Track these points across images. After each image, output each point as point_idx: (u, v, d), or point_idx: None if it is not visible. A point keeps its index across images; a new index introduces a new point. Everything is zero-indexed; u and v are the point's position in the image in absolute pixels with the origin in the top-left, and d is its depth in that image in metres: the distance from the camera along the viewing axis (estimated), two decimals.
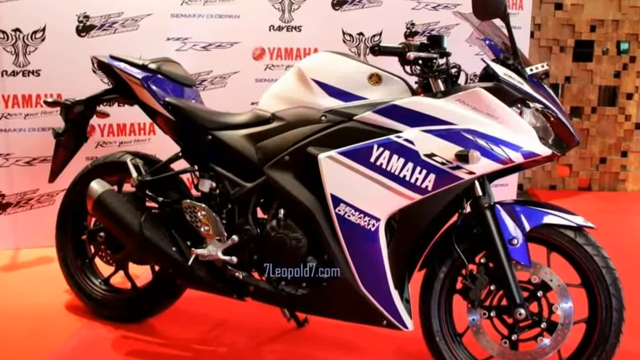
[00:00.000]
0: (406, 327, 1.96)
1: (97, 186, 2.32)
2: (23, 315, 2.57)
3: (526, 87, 1.83)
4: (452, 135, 1.81)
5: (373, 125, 1.90)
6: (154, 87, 2.28)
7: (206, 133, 2.18)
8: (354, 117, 1.93)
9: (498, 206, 1.88)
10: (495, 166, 1.81)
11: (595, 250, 1.84)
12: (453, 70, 1.93)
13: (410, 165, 1.84)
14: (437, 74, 1.90)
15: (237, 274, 2.12)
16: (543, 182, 5.43)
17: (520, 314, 1.85)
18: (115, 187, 2.46)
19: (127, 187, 2.45)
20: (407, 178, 1.84)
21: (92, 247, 2.57)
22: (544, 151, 1.81)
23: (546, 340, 1.89)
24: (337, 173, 1.90)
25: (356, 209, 1.90)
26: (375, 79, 1.97)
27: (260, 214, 2.17)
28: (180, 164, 2.32)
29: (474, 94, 1.82)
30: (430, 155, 1.82)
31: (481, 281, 1.88)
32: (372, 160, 1.87)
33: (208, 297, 2.27)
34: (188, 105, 2.26)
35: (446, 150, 1.81)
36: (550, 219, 1.86)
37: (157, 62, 2.37)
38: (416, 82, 2.00)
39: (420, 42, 1.93)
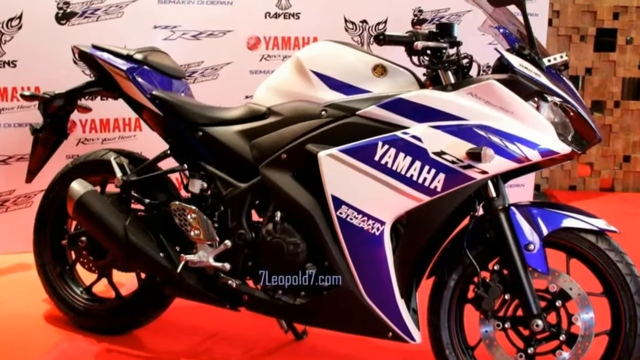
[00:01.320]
0: (413, 340, 1.96)
1: (79, 187, 2.33)
2: None
3: (543, 80, 1.83)
4: (463, 132, 1.81)
5: (377, 120, 1.90)
6: (139, 80, 2.28)
7: (196, 129, 2.19)
8: (357, 112, 1.93)
9: (513, 208, 1.88)
10: (510, 165, 1.81)
11: (618, 257, 1.84)
12: (464, 61, 1.94)
13: (417, 164, 1.84)
14: (447, 65, 1.90)
15: (230, 282, 2.12)
16: (562, 182, 5.43)
17: (537, 325, 1.85)
18: (98, 188, 2.46)
19: (111, 188, 2.45)
20: (415, 178, 1.84)
21: (72, 253, 2.57)
22: (563, 149, 1.81)
23: (565, 354, 1.88)
24: (339, 172, 1.91)
25: (359, 212, 1.90)
26: (380, 70, 1.97)
27: (255, 217, 2.17)
28: (169, 163, 2.32)
29: (487, 87, 1.82)
30: (440, 153, 1.82)
31: (495, 290, 1.88)
32: (376, 158, 1.87)
33: (199, 307, 2.27)
34: (177, 99, 2.26)
35: (457, 148, 1.81)
36: (569, 222, 1.86)
37: (144, 52, 2.37)
38: (424, 74, 2.00)
39: (429, 31, 1.93)
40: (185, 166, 2.24)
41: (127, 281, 2.70)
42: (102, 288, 2.60)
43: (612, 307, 1.88)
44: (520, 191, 4.09)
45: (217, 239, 2.12)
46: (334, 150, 1.91)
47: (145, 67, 2.33)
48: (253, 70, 3.72)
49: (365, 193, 1.89)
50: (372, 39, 3.74)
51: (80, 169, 2.49)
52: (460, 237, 1.96)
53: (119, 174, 2.34)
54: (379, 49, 2.01)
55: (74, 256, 2.57)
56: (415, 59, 1.94)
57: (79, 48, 2.44)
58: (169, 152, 2.30)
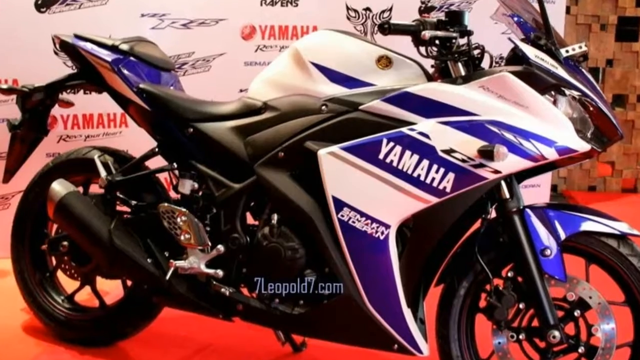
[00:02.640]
0: (420, 352, 1.96)
1: (60, 187, 2.33)
2: None
3: (561, 72, 1.83)
4: (474, 128, 1.81)
5: (382, 116, 1.91)
6: (125, 72, 2.28)
7: (187, 125, 2.19)
8: (360, 107, 1.93)
9: (528, 211, 1.89)
10: (524, 164, 1.81)
11: None
12: (475, 52, 1.94)
13: (425, 162, 1.84)
14: (457, 56, 1.91)
15: (223, 290, 2.12)
16: (581, 182, 5.44)
17: (554, 337, 1.85)
18: (81, 189, 2.47)
19: (95, 189, 2.45)
20: (422, 178, 1.84)
21: (53, 259, 2.57)
22: (582, 146, 1.81)
23: None
24: (340, 172, 1.91)
25: (362, 214, 1.90)
26: (385, 62, 1.97)
27: (250, 219, 2.17)
28: (157, 162, 2.32)
29: (500, 80, 1.83)
30: (449, 151, 1.82)
31: (508, 298, 1.88)
32: (380, 157, 1.87)
33: (189, 317, 2.27)
34: (166, 93, 2.26)
35: (467, 145, 1.81)
36: (589, 225, 1.86)
37: (130, 42, 2.37)
38: (432, 66, 2.00)
39: (438, 19, 1.93)
40: (175, 165, 2.24)
41: (112, 289, 2.70)
42: (85, 296, 2.60)
43: (635, 317, 1.88)
44: (536, 192, 4.10)
45: (209, 243, 2.12)
46: (335, 148, 1.91)
47: (132, 58, 2.33)
48: (248, 62, 3.72)
49: (368, 194, 1.89)
50: (376, 28, 3.75)
51: (62, 168, 2.49)
52: (471, 242, 1.96)
53: (103, 173, 2.34)
54: (383, 38, 2.01)
55: (54, 262, 2.57)
56: (422, 49, 1.95)
57: (61, 38, 2.44)
58: (157, 150, 2.30)
